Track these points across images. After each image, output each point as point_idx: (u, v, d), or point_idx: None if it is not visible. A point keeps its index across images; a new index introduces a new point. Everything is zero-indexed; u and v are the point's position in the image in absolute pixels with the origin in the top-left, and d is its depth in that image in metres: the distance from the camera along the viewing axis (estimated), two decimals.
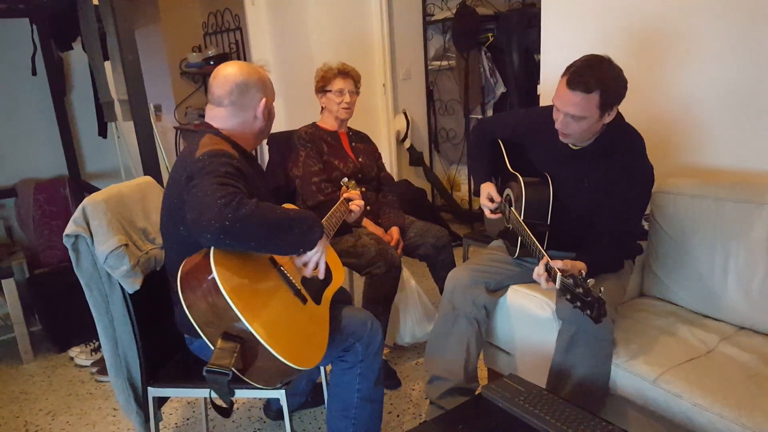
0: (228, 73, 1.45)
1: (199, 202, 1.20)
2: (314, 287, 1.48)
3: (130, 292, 1.46)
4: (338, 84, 2.37)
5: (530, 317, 1.82)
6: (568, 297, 1.35)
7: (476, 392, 1.80)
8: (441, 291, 2.63)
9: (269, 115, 1.53)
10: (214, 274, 1.21)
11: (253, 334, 1.20)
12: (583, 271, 1.38)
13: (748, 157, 1.93)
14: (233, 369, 1.21)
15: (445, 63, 4.12)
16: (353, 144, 2.51)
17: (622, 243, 1.65)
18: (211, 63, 4.50)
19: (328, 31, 3.61)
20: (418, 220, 2.53)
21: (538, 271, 1.47)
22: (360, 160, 2.45)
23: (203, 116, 4.82)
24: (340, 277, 1.62)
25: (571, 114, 1.55)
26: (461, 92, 3.98)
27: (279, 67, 3.74)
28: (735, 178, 1.95)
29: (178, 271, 1.29)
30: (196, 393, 1.81)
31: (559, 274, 1.38)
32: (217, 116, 1.47)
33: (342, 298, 1.66)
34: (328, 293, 1.54)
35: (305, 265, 1.43)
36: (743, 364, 1.55)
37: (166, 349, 1.62)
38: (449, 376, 1.79)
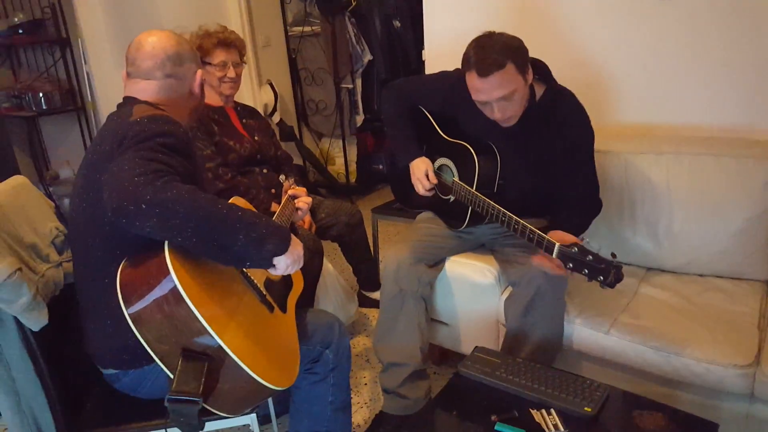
0: (155, 42, 1.23)
1: (113, 177, 0.98)
2: (278, 293, 1.28)
3: (36, 329, 1.10)
4: (219, 56, 2.06)
5: (471, 285, 1.81)
6: (571, 265, 1.33)
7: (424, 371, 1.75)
8: (354, 271, 2.53)
9: (202, 89, 1.32)
10: (173, 276, 0.98)
11: (223, 349, 0.99)
12: (586, 238, 1.36)
13: (651, 113, 2.09)
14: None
15: (308, 29, 3.89)
16: (243, 120, 2.23)
17: (593, 200, 1.68)
18: (20, 32, 3.68)
19: None
20: (326, 198, 2.37)
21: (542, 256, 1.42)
22: (256, 138, 2.19)
23: (16, 97, 3.96)
24: (300, 282, 1.43)
25: (502, 97, 1.51)
26: (329, 60, 3.80)
27: (117, 35, 3.19)
28: (641, 132, 2.10)
29: (102, 281, 1.05)
30: None
31: (557, 244, 1.35)
32: (146, 89, 1.22)
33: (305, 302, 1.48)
34: (291, 300, 1.34)
35: None
36: (665, 301, 1.71)
37: (80, 387, 1.29)
38: (406, 360, 1.70)
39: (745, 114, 1.92)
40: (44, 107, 3.66)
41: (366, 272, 2.51)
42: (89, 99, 3.67)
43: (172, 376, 0.99)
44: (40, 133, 3.95)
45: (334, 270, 2.33)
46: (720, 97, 1.95)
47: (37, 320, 1.09)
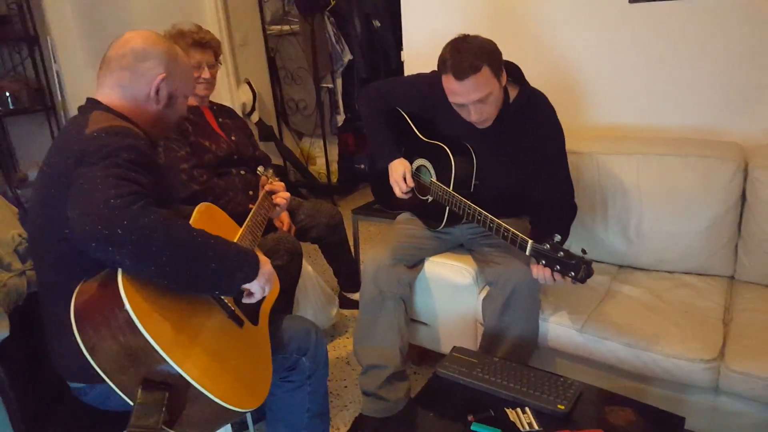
0: (129, 36, 1.18)
1: (84, 197, 0.93)
2: (249, 304, 1.25)
3: None
4: (194, 57, 2.02)
5: (450, 285, 1.82)
6: (544, 262, 1.35)
7: (404, 373, 1.75)
8: (335, 273, 2.52)
9: (170, 100, 1.21)
10: (127, 305, 0.94)
11: (184, 378, 0.97)
12: (557, 236, 1.38)
13: (622, 115, 2.13)
14: (163, 427, 0.97)
15: (286, 27, 3.86)
16: (220, 119, 2.20)
17: (569, 204, 1.70)
18: None
19: None
20: (305, 200, 2.36)
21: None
22: (233, 138, 2.16)
23: None
24: (276, 287, 1.39)
25: (478, 99, 1.54)
26: (309, 59, 3.78)
27: (87, 33, 3.12)
28: (612, 133, 2.14)
29: (61, 297, 1.00)
30: None
31: (530, 241, 1.37)
32: (104, 84, 1.17)
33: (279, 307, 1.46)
34: (265, 309, 1.31)
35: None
36: (636, 298, 1.75)
37: (46, 402, 1.24)
38: (386, 362, 1.70)
39: (709, 116, 1.97)
40: (11, 107, 3.56)
41: (347, 273, 2.51)
42: (59, 98, 3.59)
43: (132, 404, 0.96)
44: (8, 133, 3.85)
45: (314, 272, 2.33)
46: (686, 99, 2.00)
47: None
